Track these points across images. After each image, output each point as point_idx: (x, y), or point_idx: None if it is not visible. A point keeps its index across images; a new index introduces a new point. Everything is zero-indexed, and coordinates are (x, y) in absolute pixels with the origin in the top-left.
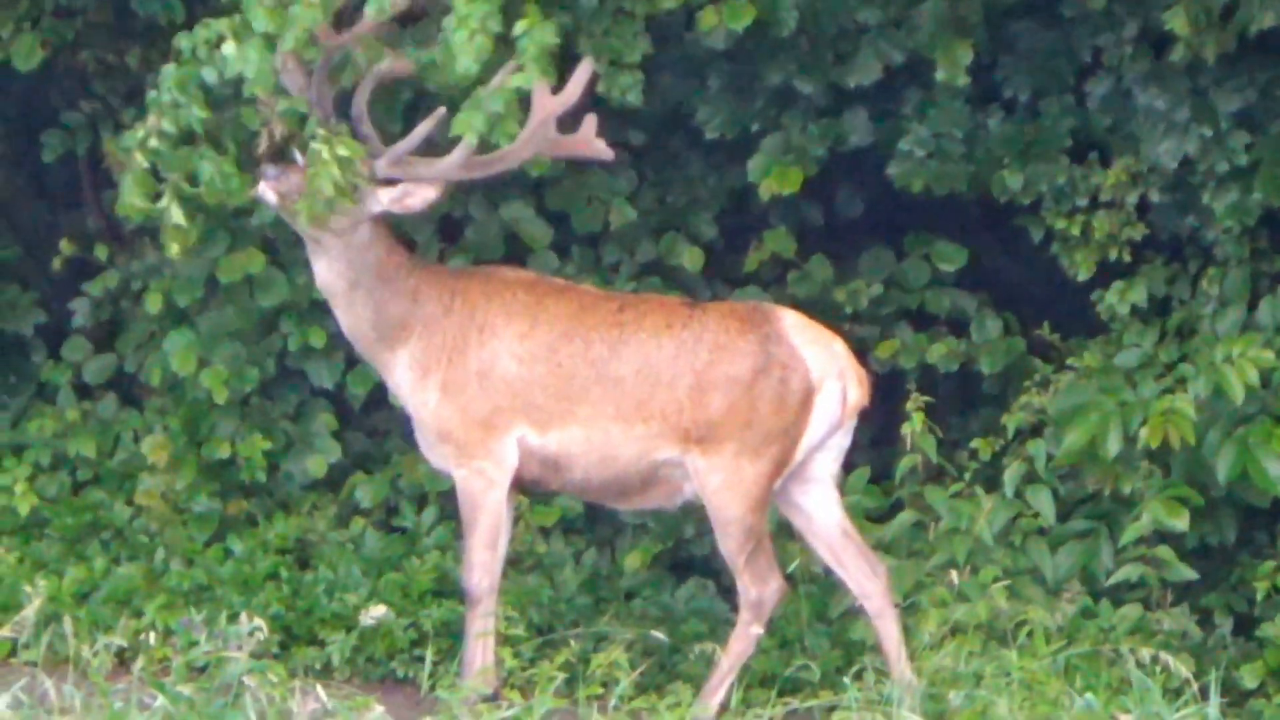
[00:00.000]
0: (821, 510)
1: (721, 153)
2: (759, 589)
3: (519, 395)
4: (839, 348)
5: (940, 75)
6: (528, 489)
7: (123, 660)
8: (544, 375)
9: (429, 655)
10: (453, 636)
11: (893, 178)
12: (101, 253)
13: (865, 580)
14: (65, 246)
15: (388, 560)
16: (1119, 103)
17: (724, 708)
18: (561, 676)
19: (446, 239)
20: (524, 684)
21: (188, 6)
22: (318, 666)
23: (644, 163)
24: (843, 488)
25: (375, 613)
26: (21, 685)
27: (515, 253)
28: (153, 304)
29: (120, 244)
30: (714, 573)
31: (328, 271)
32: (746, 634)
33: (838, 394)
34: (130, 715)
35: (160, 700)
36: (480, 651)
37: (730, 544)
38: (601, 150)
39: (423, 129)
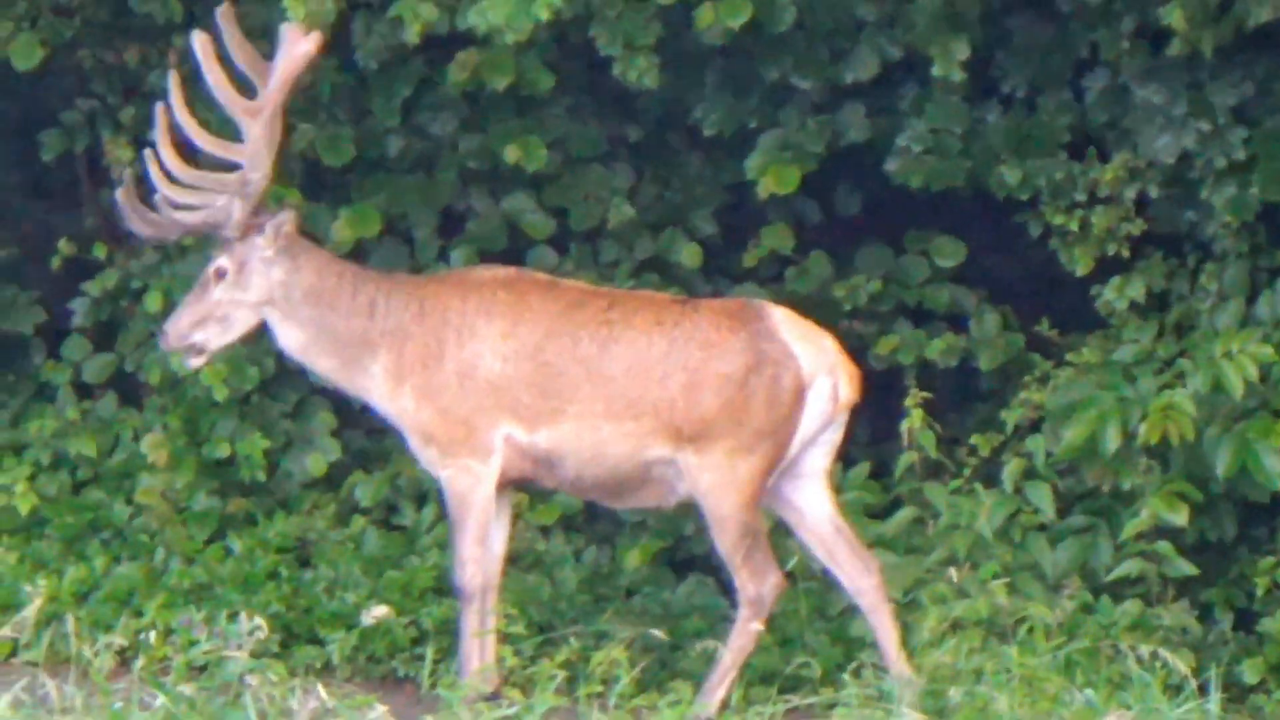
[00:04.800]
0: (813, 506)
1: (720, 149)
2: (757, 585)
3: (504, 394)
4: (829, 344)
5: (937, 71)
6: (523, 487)
7: (123, 659)
8: (530, 374)
9: (429, 653)
10: (453, 635)
11: (891, 174)
12: (100, 251)
13: (858, 576)
14: (64, 246)
15: (388, 558)
16: (1116, 98)
17: (725, 705)
18: (562, 674)
19: (448, 233)
20: (524, 682)
21: (186, 6)
22: (318, 665)
23: (642, 159)
24: (839, 484)
25: (376, 611)
26: (22, 685)
27: (516, 245)
28: (152, 302)
29: (119, 243)
30: (714, 570)
31: (285, 335)
32: (747, 630)
33: (829, 390)
34: (131, 715)
35: (161, 699)
36: (477, 649)
37: (726, 542)
38: None
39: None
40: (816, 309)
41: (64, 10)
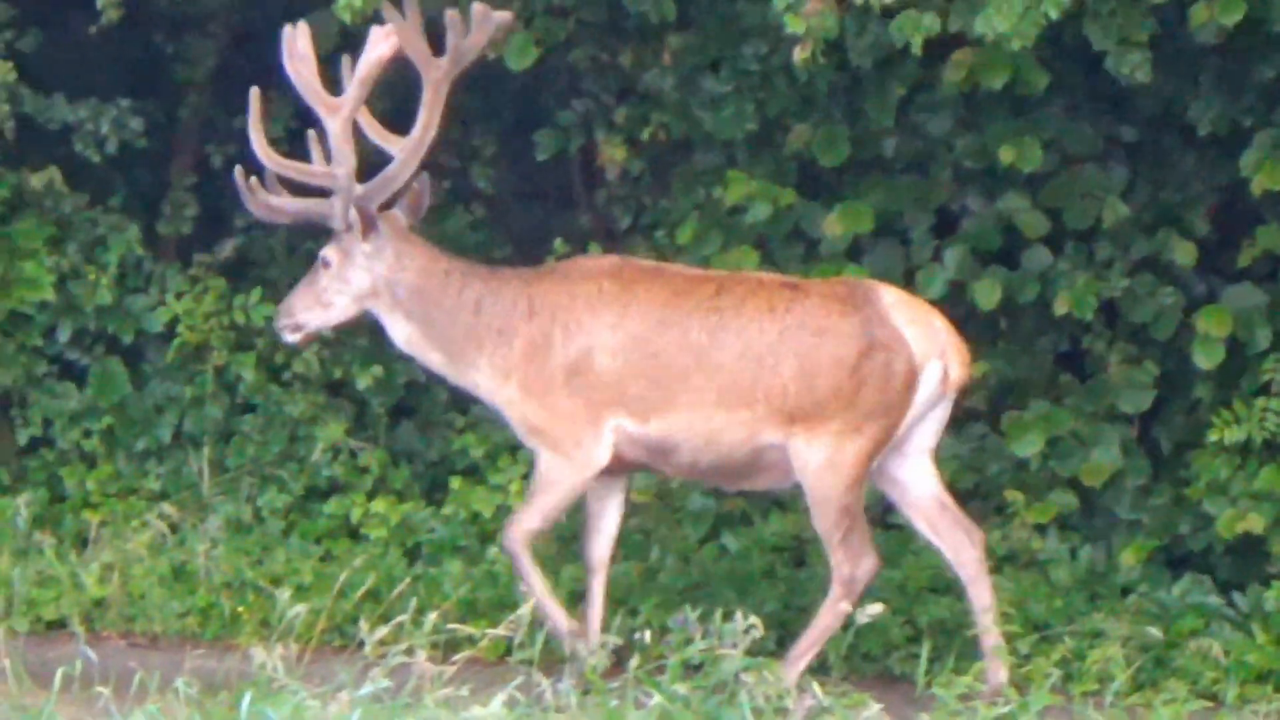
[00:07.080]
0: (918, 482)
1: (1214, 148)
2: (853, 567)
3: (614, 387)
4: (940, 324)
5: None
6: (638, 471)
7: (618, 658)
8: (640, 365)
9: (924, 651)
10: (948, 633)
11: None
12: (595, 251)
13: (961, 549)
14: (559, 246)
15: (883, 557)
16: None
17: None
18: (1057, 673)
19: (942, 231)
20: (1020, 680)
21: (680, 6)
22: (813, 664)
23: (1137, 159)
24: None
25: (871, 609)
26: (517, 684)
27: (1010, 245)
28: None
29: (614, 242)
30: (1210, 569)
31: (392, 329)
32: (835, 610)
33: (940, 373)
34: (626, 713)
35: (656, 698)
36: (552, 604)
37: (825, 523)
38: None
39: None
40: None
41: (558, 10)
